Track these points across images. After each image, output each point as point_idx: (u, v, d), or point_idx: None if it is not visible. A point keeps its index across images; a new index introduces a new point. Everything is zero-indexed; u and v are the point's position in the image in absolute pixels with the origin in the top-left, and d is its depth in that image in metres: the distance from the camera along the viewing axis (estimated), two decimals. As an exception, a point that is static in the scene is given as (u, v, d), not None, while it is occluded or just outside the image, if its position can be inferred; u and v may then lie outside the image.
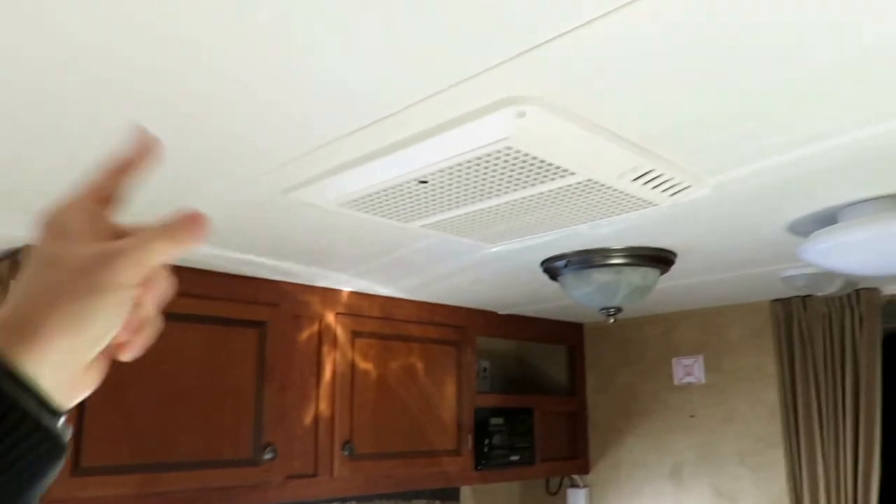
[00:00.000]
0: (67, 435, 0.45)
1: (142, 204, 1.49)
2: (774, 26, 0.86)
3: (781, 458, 2.74)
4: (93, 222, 0.49)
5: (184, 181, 1.35)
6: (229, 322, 2.07)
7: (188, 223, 0.48)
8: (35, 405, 0.43)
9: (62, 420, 0.45)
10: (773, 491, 2.75)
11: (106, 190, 0.51)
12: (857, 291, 2.60)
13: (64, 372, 0.45)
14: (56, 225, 0.48)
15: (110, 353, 0.50)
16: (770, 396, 2.81)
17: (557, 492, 3.34)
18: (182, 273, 1.92)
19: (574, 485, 3.29)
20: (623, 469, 3.18)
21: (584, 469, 3.27)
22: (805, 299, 2.72)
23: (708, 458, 2.94)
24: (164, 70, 0.93)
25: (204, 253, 1.84)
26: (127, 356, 0.50)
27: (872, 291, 2.60)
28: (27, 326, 0.44)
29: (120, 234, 0.49)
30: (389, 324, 2.51)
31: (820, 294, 2.59)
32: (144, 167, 0.52)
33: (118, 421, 1.83)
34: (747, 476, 2.83)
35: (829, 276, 2.30)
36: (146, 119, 1.08)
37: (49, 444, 0.43)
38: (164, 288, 0.50)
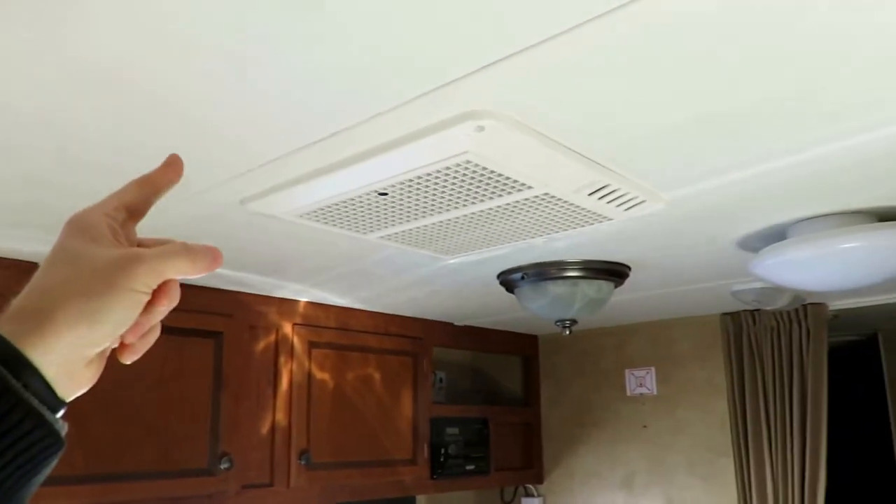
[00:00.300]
0: (65, 429, 0.47)
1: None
2: (725, 53, 0.89)
3: (731, 467, 2.80)
4: (117, 229, 0.53)
5: (140, 189, 1.34)
6: (185, 332, 2.05)
7: (208, 250, 0.53)
8: (39, 395, 0.45)
9: (61, 413, 0.47)
10: (722, 500, 2.81)
11: (132, 202, 0.55)
12: (805, 306, 2.67)
13: (67, 364, 0.47)
14: (83, 226, 0.52)
15: (113, 353, 0.53)
16: (720, 407, 2.87)
17: (511, 501, 3.36)
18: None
19: (528, 494, 3.32)
20: (576, 478, 3.21)
21: (538, 479, 3.29)
22: (754, 313, 2.79)
23: (659, 468, 2.98)
24: (119, 70, 0.92)
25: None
26: (129, 358, 0.53)
27: (819, 306, 2.68)
28: (40, 316, 0.47)
29: (140, 244, 0.54)
30: (346, 334, 2.51)
31: (769, 308, 2.66)
32: (169, 186, 0.57)
33: (71, 430, 1.78)
34: (698, 485, 2.88)
35: (777, 290, 2.36)
36: (97, 121, 1.07)
37: (52, 438, 0.46)
38: (175, 299, 0.53)
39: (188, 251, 0.52)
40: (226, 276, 2.02)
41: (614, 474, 3.10)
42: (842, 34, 0.85)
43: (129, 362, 0.54)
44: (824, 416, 2.63)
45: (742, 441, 2.77)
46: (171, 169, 0.57)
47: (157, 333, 0.54)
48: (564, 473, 3.25)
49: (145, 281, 0.50)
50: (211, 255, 0.53)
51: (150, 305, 0.51)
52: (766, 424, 2.71)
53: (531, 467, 3.26)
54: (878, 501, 4.02)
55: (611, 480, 3.11)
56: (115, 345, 0.52)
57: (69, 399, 0.49)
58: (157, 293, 0.51)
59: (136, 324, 0.51)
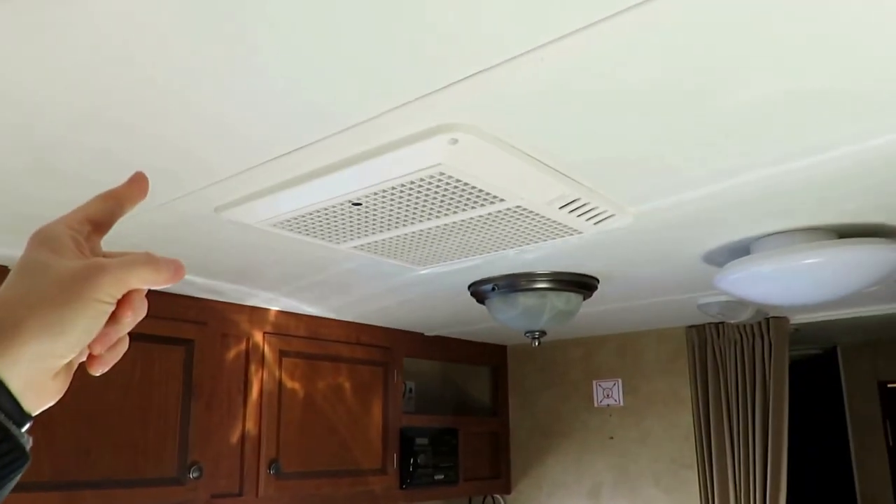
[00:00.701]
0: (30, 443, 0.47)
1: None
2: (690, 70, 0.92)
3: (695, 479, 2.84)
4: (81, 242, 0.53)
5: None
6: (155, 339, 2.04)
7: (171, 262, 0.53)
8: (4, 409, 0.45)
9: (26, 427, 0.47)
10: (686, 510, 2.85)
11: (97, 216, 0.55)
12: (768, 320, 2.73)
13: (33, 377, 0.47)
14: (46, 238, 0.52)
15: (82, 365, 0.53)
16: (684, 419, 2.91)
17: (480, 512, 3.37)
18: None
19: (496, 505, 3.33)
20: (544, 489, 3.23)
21: (506, 489, 3.31)
22: (719, 326, 2.84)
23: (625, 479, 3.02)
24: (92, 81, 0.93)
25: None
26: (97, 370, 0.53)
27: (782, 320, 2.74)
28: (4, 328, 0.46)
29: (105, 256, 0.53)
30: (317, 343, 2.51)
31: (733, 321, 2.72)
32: (134, 202, 0.57)
33: (38, 437, 1.77)
34: (662, 498, 2.92)
35: (741, 304, 2.42)
36: (76, 136, 1.07)
37: (17, 453, 0.46)
38: (142, 310, 0.53)
39: (151, 261, 0.51)
40: (198, 284, 2.02)
41: (581, 485, 3.13)
42: (800, 53, 0.89)
43: (98, 374, 0.54)
44: (785, 429, 2.68)
45: (706, 453, 2.82)
46: (136, 185, 0.57)
47: (125, 345, 0.54)
48: (532, 484, 3.27)
49: (109, 291, 0.49)
50: (174, 266, 0.52)
51: (115, 316, 0.51)
52: (730, 436, 2.76)
53: (499, 477, 3.28)
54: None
55: (577, 491, 3.14)
56: (84, 357, 0.52)
57: (35, 413, 0.49)
58: (121, 304, 0.51)
59: (103, 335, 0.51)
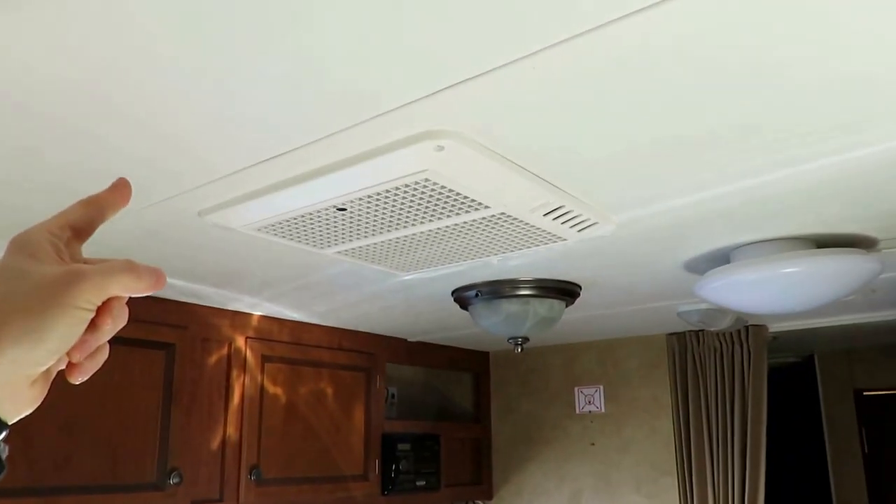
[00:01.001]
0: (6, 452, 0.47)
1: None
2: (672, 87, 0.93)
3: (674, 486, 2.86)
4: (60, 247, 0.52)
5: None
6: (136, 343, 2.03)
7: (152, 270, 0.52)
8: None
9: (3, 436, 0.47)
10: (666, 517, 2.87)
11: (77, 222, 0.54)
12: (747, 327, 2.76)
13: (9, 385, 0.47)
14: (25, 244, 0.51)
15: (61, 372, 0.52)
16: (665, 425, 2.93)
17: (460, 519, 3.37)
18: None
19: (477, 512, 3.33)
20: (524, 495, 3.24)
21: (488, 495, 3.31)
22: (699, 333, 2.87)
23: (606, 486, 3.03)
24: (79, 81, 0.93)
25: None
26: (77, 378, 0.53)
27: (760, 328, 2.77)
28: None
29: (85, 263, 0.52)
30: (299, 349, 2.51)
31: (712, 329, 2.74)
32: (116, 209, 0.56)
33: (15, 442, 1.76)
34: (643, 503, 2.93)
35: (721, 312, 2.44)
36: (56, 137, 1.07)
37: None
38: (122, 318, 0.52)
39: (132, 269, 0.51)
40: (179, 288, 2.01)
41: (561, 492, 3.14)
42: (781, 68, 0.91)
43: (77, 382, 0.53)
44: (763, 435, 2.71)
45: (685, 460, 2.84)
46: (119, 192, 0.57)
47: (105, 353, 0.53)
48: (513, 490, 3.28)
49: (89, 298, 0.49)
50: (155, 274, 0.52)
51: (94, 324, 0.50)
52: (709, 443, 2.79)
53: (481, 483, 3.28)
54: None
55: (558, 498, 3.15)
56: (63, 365, 0.52)
57: (12, 421, 0.48)
58: (101, 311, 0.50)
59: (82, 342, 0.50)
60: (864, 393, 3.90)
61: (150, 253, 1.68)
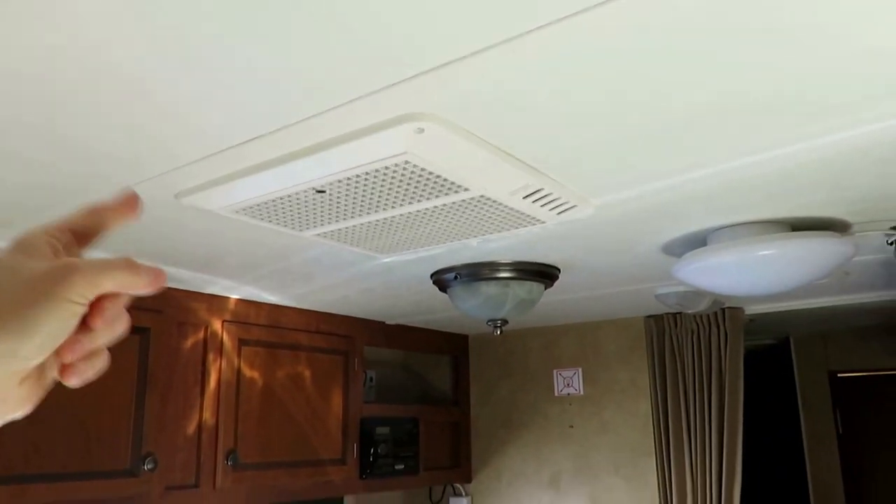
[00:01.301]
0: None
1: (29, 209, 1.44)
2: (647, 71, 0.93)
3: (653, 467, 2.89)
4: (58, 248, 0.51)
5: (71, 182, 1.31)
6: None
7: (150, 268, 0.51)
8: None
9: None
10: (644, 499, 2.90)
11: (79, 226, 0.54)
12: (724, 310, 2.78)
13: None
14: (23, 243, 0.50)
15: (54, 374, 0.51)
16: (643, 408, 2.96)
17: (440, 501, 3.39)
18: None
19: (456, 494, 3.35)
20: (504, 478, 3.26)
21: (467, 478, 3.33)
22: (676, 316, 2.89)
23: (585, 468, 3.06)
24: (49, 59, 0.91)
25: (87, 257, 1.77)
26: (72, 381, 0.51)
27: (737, 310, 2.79)
28: None
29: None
30: (277, 332, 2.49)
31: (690, 311, 2.76)
32: (122, 222, 0.56)
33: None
34: (621, 485, 2.96)
35: (698, 294, 2.46)
36: (29, 115, 1.05)
37: None
38: (120, 322, 0.51)
39: (128, 265, 0.50)
40: (155, 271, 1.97)
41: (541, 475, 3.16)
42: (757, 51, 0.91)
43: (73, 385, 0.51)
44: (740, 416, 2.74)
45: (664, 442, 2.87)
46: (126, 204, 0.56)
47: (103, 360, 0.52)
48: (492, 474, 3.30)
49: (80, 291, 0.48)
50: (153, 273, 0.51)
51: (87, 324, 0.49)
52: (686, 425, 2.82)
53: (459, 467, 3.29)
54: (789, 499, 4.21)
55: (537, 481, 3.17)
56: (56, 371, 0.50)
57: (0, 423, 0.47)
58: (93, 310, 0.49)
59: (74, 341, 0.49)
60: (839, 375, 3.96)
61: (125, 236, 1.65)
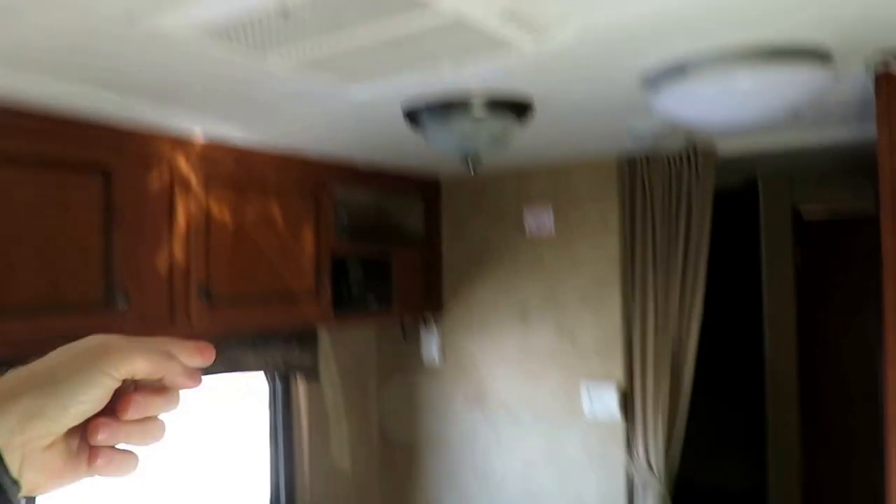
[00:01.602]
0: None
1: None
2: None
3: (618, 297, 2.98)
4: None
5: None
6: (70, 168, 1.93)
7: (193, 345, 0.57)
8: None
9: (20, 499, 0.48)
10: (608, 326, 3.00)
11: (146, 371, 0.55)
12: (696, 150, 2.77)
13: (21, 437, 0.48)
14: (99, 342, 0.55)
15: (85, 463, 0.53)
16: (611, 244, 3.00)
17: (412, 336, 3.48)
18: (7, 114, 1.75)
19: (428, 329, 3.44)
20: (475, 312, 3.34)
21: (438, 307, 3.40)
22: (648, 157, 2.88)
23: (553, 300, 3.14)
24: None
25: (33, 83, 1.67)
26: (99, 467, 0.53)
27: (710, 151, 2.78)
28: (6, 386, 0.49)
29: None
30: (246, 172, 2.44)
31: (662, 148, 2.75)
32: (194, 364, 0.58)
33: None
34: (587, 314, 3.06)
35: (671, 130, 2.44)
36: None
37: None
38: (152, 428, 0.55)
39: (166, 344, 0.55)
40: (111, 100, 1.87)
41: (511, 307, 3.24)
42: None
43: (100, 473, 0.53)
44: (704, 254, 2.81)
45: (629, 274, 2.94)
46: (200, 354, 0.58)
47: (132, 462, 0.54)
48: (463, 309, 3.38)
49: (114, 363, 0.51)
50: (196, 349, 0.56)
51: (114, 409, 0.53)
52: (653, 259, 2.87)
53: (431, 301, 3.36)
54: (743, 332, 4.41)
55: (507, 313, 3.25)
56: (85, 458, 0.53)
57: (27, 494, 0.49)
58: (123, 399, 0.53)
59: (101, 423, 0.52)
60: (802, 210, 4.04)
61: (75, 60, 1.55)
